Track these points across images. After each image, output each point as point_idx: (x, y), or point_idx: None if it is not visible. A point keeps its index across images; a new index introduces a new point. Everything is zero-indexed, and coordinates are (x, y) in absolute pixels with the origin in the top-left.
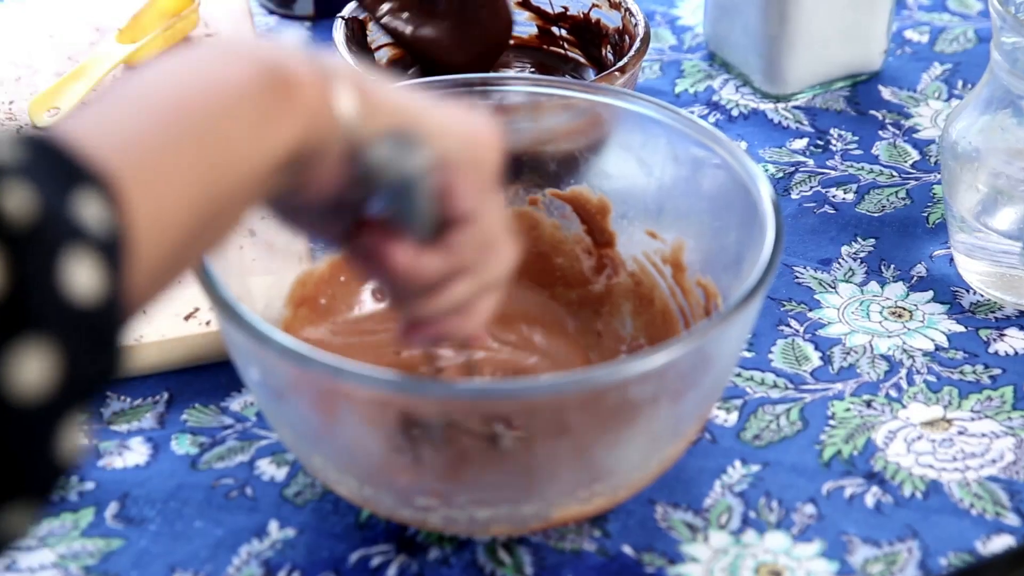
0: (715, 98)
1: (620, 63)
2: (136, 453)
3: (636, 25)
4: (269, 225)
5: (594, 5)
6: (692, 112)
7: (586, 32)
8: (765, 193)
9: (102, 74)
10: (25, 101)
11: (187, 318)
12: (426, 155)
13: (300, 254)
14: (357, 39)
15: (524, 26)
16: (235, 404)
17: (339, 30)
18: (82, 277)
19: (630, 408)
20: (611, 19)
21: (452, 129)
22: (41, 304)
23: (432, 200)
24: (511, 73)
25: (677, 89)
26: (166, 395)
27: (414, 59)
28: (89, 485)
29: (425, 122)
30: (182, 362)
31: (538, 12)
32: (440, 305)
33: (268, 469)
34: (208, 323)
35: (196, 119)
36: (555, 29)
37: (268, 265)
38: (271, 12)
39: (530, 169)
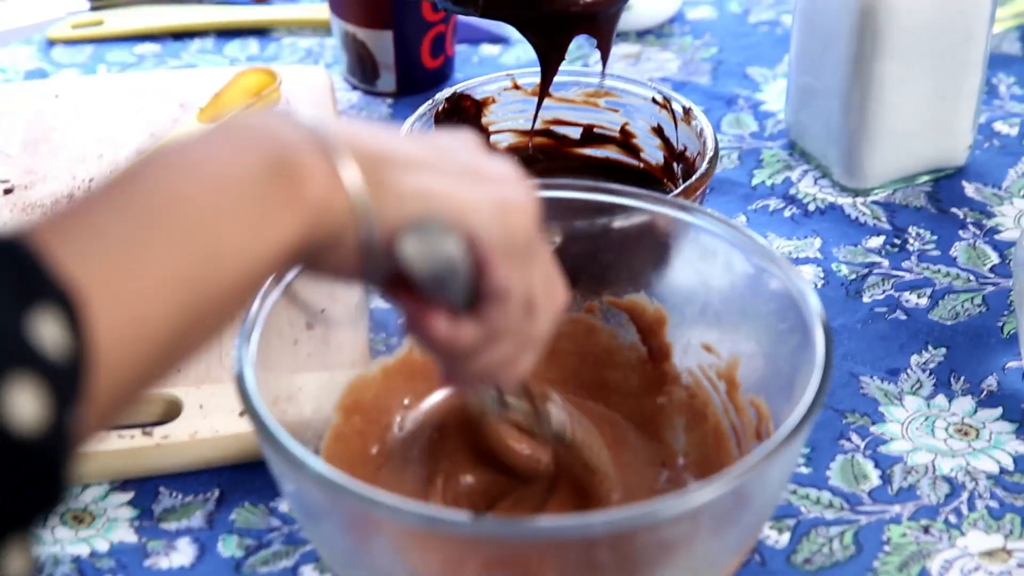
0: (792, 191)
1: (675, 191)
2: (182, 554)
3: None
4: (327, 321)
5: (699, 153)
6: (768, 205)
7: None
8: (818, 325)
9: None
10: None
11: (242, 414)
12: (455, 242)
13: (355, 358)
14: (468, 119)
15: (653, 152)
16: (284, 505)
17: (436, 108)
18: (25, 406)
19: (664, 546)
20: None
21: (480, 202)
22: None
23: (467, 278)
24: (579, 181)
25: (754, 181)
26: (217, 492)
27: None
28: None
29: (451, 201)
30: (235, 459)
31: (667, 143)
32: (478, 367)
33: None
34: None
35: (185, 218)
36: (675, 166)
37: (323, 361)
38: (354, 88)
39: (589, 276)
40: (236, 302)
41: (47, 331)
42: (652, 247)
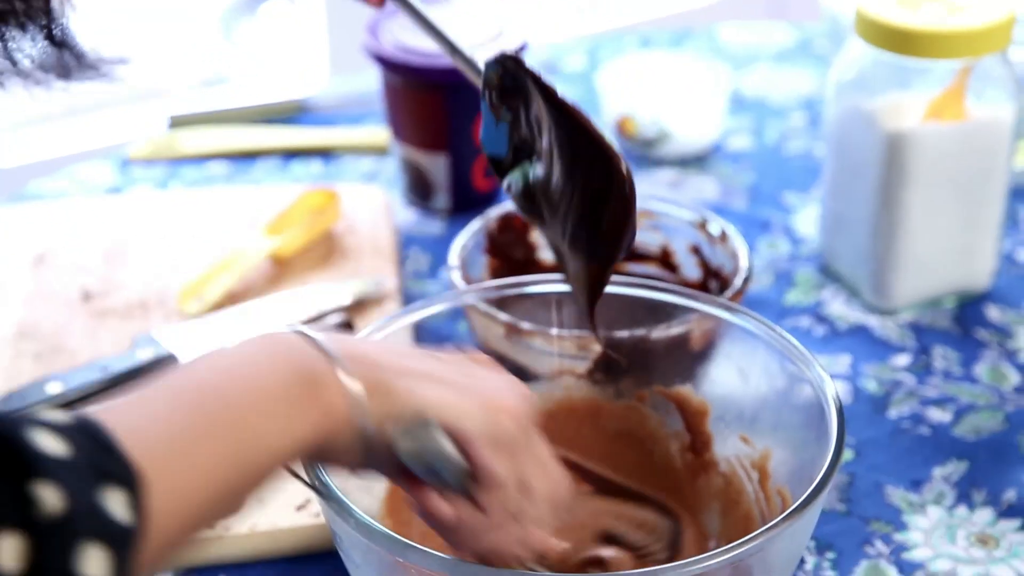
0: (823, 311)
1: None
2: None
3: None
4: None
5: (733, 271)
6: (799, 324)
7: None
8: (833, 421)
9: (247, 266)
10: (177, 289)
11: (299, 509)
12: (444, 438)
13: None
14: (518, 236)
15: (691, 270)
16: None
17: (488, 225)
18: (93, 565)
19: None
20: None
21: (468, 405)
22: None
23: (460, 468)
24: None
25: (787, 301)
26: None
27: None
28: None
29: (441, 405)
30: (292, 551)
31: (704, 262)
32: (479, 547)
33: None
34: (318, 515)
35: (228, 418)
36: (712, 282)
37: None
38: (411, 204)
39: (641, 367)
40: (262, 482)
41: (115, 506)
42: (700, 343)
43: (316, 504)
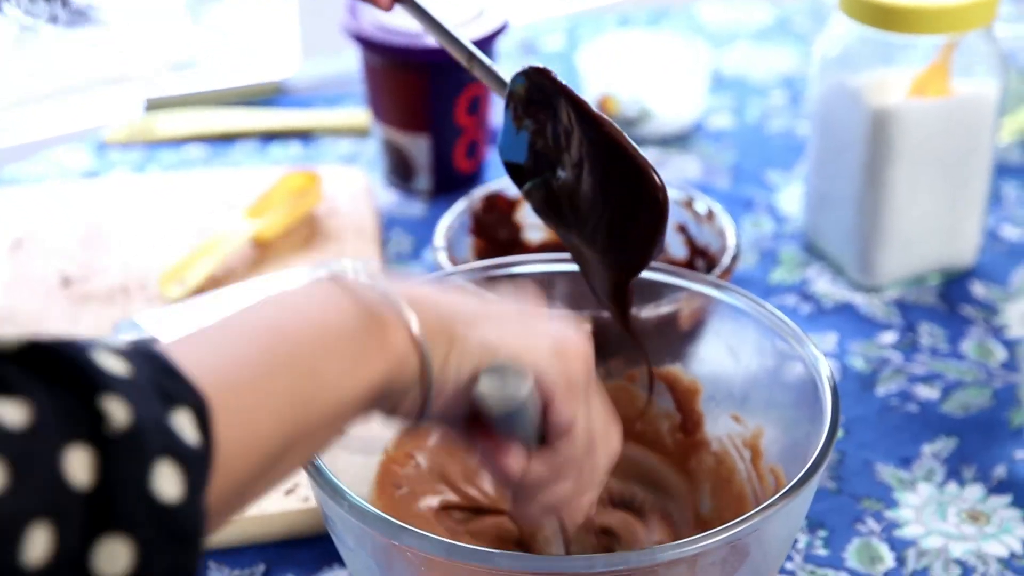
0: (808, 289)
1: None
2: None
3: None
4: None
5: (720, 250)
6: (785, 302)
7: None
8: (827, 399)
9: (229, 250)
10: (158, 273)
11: (287, 493)
12: (527, 384)
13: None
14: (503, 217)
15: (678, 248)
16: None
17: (473, 206)
18: (168, 481)
19: None
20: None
21: (539, 348)
22: (125, 502)
23: (536, 417)
24: None
25: (772, 280)
26: (263, 567)
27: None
28: None
29: (512, 349)
30: (281, 535)
31: (691, 241)
32: (545, 502)
33: None
34: (307, 499)
35: (294, 355)
36: (698, 260)
37: (364, 445)
38: (392, 186)
39: (631, 346)
40: (329, 429)
41: (184, 426)
42: (689, 322)
43: (305, 488)
